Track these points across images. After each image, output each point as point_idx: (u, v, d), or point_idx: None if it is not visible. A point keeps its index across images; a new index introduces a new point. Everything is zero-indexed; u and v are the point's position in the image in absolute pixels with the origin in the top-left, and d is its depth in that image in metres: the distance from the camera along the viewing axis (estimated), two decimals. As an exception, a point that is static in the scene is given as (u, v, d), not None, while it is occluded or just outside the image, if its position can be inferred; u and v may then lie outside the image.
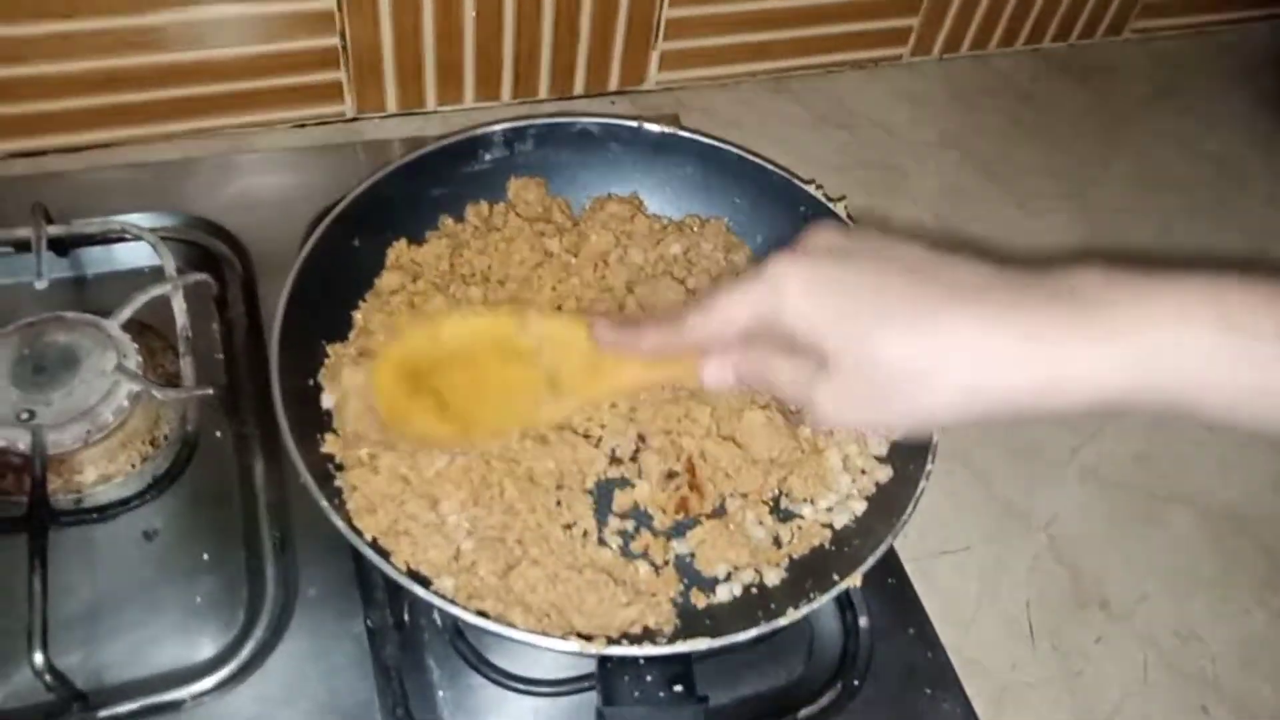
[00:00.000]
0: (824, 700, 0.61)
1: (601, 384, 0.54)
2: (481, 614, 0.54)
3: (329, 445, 0.61)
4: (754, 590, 0.61)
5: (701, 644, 0.53)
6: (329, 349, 0.65)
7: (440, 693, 0.58)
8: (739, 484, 0.63)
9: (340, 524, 0.54)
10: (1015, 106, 0.99)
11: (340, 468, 0.60)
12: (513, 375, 0.56)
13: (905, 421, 0.44)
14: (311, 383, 0.64)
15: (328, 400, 0.63)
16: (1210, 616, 0.69)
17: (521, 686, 0.58)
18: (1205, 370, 0.38)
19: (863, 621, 0.63)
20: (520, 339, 0.55)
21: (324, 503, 0.54)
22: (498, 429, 0.59)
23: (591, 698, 0.54)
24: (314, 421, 0.62)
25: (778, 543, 0.63)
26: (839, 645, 0.63)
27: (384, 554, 0.55)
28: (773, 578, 0.61)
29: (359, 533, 0.55)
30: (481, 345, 0.57)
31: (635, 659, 0.53)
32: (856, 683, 0.61)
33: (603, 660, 0.53)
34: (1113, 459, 0.76)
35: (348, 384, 0.62)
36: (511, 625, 0.53)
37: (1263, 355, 0.37)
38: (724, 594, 0.60)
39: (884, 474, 0.64)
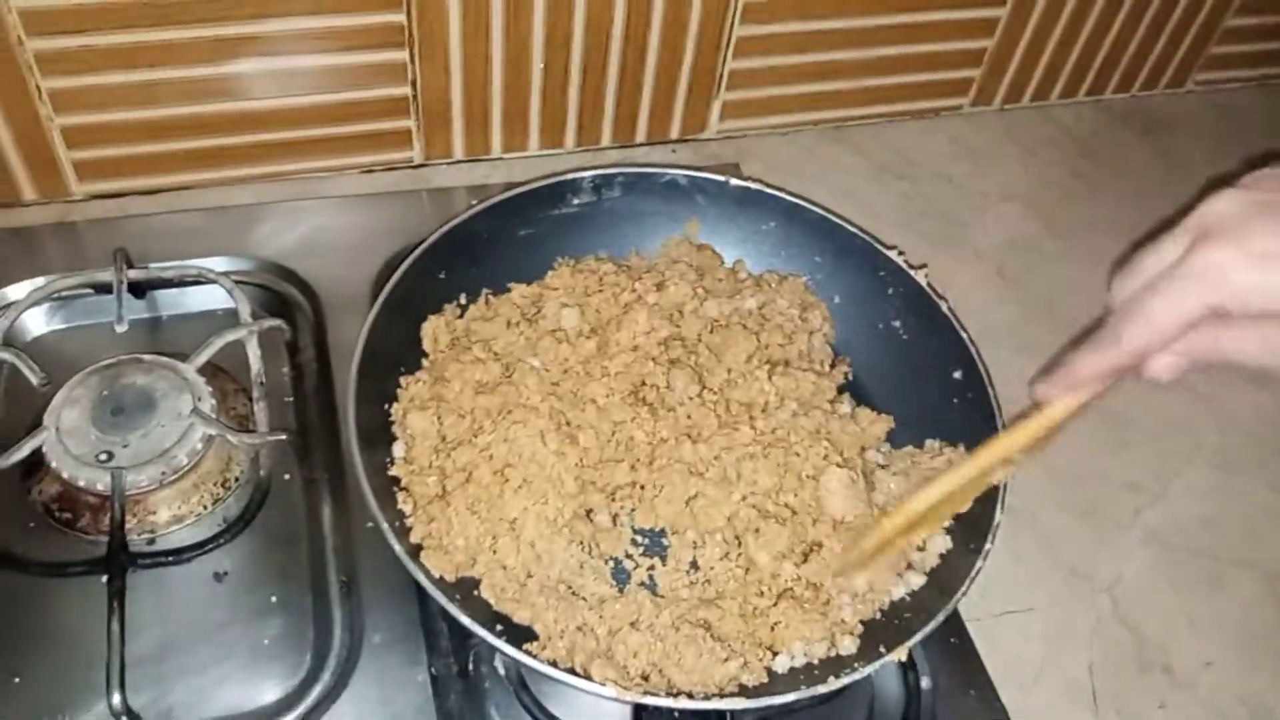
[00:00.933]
0: (884, 762, 0.60)
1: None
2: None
3: (396, 469, 0.63)
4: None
5: (738, 703, 0.54)
6: (402, 381, 0.67)
7: (501, 743, 0.59)
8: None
9: (418, 573, 0.56)
10: (1076, 159, 0.99)
11: (405, 489, 0.62)
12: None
13: None
14: (385, 407, 0.66)
15: (398, 449, 0.64)
16: (1276, 685, 0.68)
17: (581, 740, 0.59)
18: None
19: (924, 683, 0.63)
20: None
21: (398, 548, 0.56)
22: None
23: (650, 755, 0.54)
24: (384, 438, 0.64)
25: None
26: (901, 707, 0.62)
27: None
28: (822, 649, 0.60)
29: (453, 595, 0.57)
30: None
31: (671, 712, 0.53)
32: (918, 745, 0.61)
33: (638, 710, 0.54)
34: (1177, 522, 0.75)
35: (415, 428, 0.64)
36: (565, 668, 0.54)
37: None
38: (781, 665, 0.59)
39: (944, 545, 0.64)
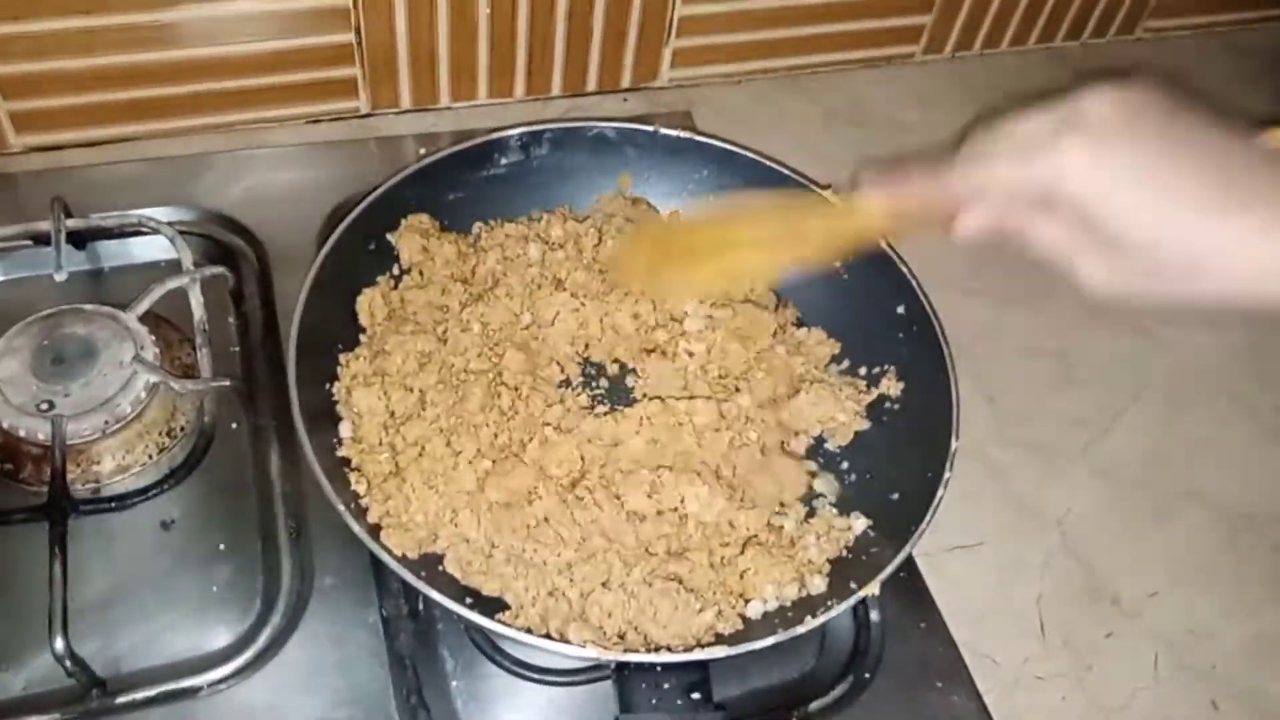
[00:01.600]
0: (835, 693, 0.61)
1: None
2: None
3: (346, 449, 0.62)
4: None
5: (719, 652, 0.53)
6: (341, 359, 0.65)
7: (454, 682, 0.59)
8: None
9: (358, 529, 0.55)
10: (1027, 106, 0.99)
11: (357, 469, 0.61)
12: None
13: (1164, 299, 0.44)
14: (327, 387, 0.64)
15: (345, 428, 0.63)
16: (1221, 614, 0.69)
17: (534, 676, 0.59)
18: None
19: (874, 616, 0.63)
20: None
21: (343, 510, 0.55)
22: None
23: (604, 687, 0.55)
24: (329, 418, 0.63)
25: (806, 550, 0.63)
26: (851, 639, 0.63)
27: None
28: (793, 591, 0.61)
29: (390, 551, 0.57)
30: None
31: (652, 666, 0.53)
32: (868, 676, 0.61)
33: (620, 666, 0.53)
34: (1125, 456, 0.76)
35: (361, 405, 0.63)
36: (526, 630, 0.54)
37: None
38: (755, 611, 0.60)
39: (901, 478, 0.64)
